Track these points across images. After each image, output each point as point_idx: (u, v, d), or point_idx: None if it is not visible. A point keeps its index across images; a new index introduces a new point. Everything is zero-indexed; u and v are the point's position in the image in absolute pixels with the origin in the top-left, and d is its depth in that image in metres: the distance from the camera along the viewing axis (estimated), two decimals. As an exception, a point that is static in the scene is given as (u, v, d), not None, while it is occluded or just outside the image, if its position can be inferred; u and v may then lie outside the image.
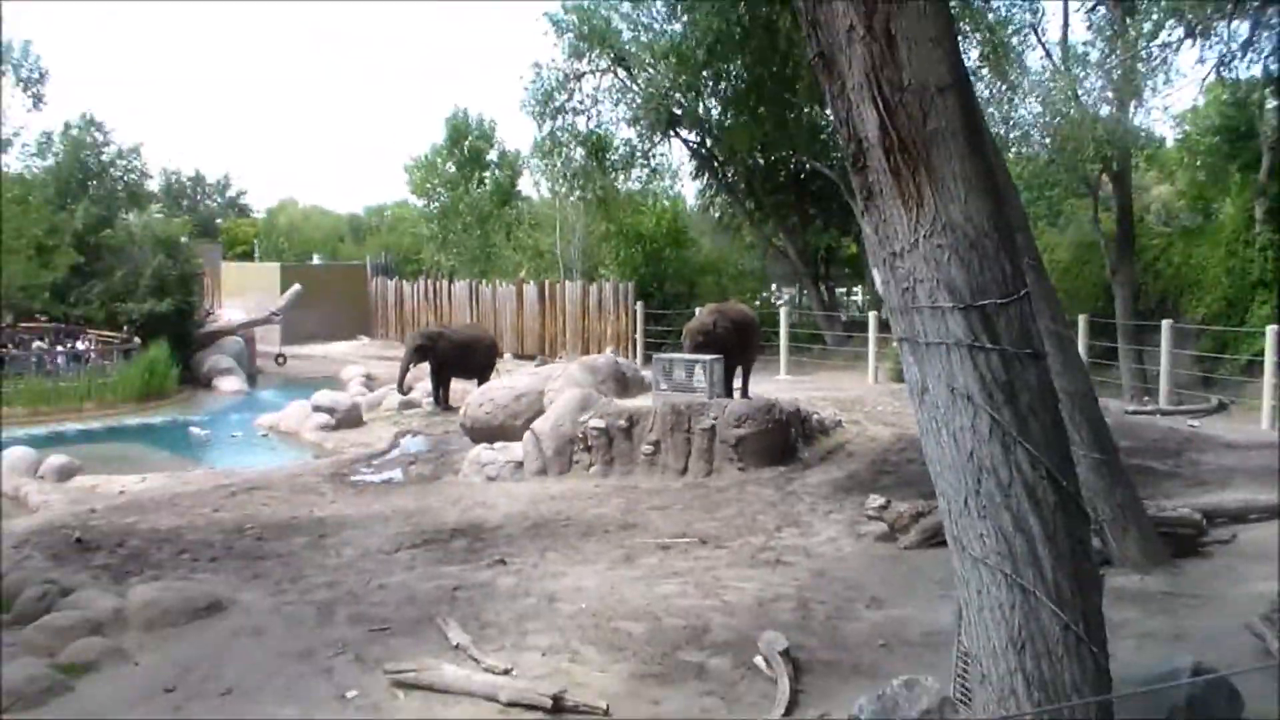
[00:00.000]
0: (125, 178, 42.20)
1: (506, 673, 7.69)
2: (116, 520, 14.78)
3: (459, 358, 25.79)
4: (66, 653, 8.68)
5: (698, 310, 19.79)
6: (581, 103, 33.85)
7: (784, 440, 15.50)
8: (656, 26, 31.40)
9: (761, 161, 32.93)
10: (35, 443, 21.96)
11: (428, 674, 7.71)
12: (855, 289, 39.34)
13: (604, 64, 32.95)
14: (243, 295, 44.75)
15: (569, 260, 41.95)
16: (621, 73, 33.01)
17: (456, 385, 25.73)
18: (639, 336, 32.24)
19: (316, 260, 61.25)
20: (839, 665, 7.67)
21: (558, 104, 33.57)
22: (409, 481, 17.95)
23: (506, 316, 40.40)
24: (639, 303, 32.98)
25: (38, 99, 47.60)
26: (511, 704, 7.24)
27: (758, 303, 36.43)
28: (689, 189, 41.29)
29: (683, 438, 15.39)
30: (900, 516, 11.01)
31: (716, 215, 38.21)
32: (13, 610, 10.15)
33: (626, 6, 32.14)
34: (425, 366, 26.11)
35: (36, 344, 32.66)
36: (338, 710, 7.48)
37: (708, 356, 16.40)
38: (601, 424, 16.05)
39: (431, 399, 25.99)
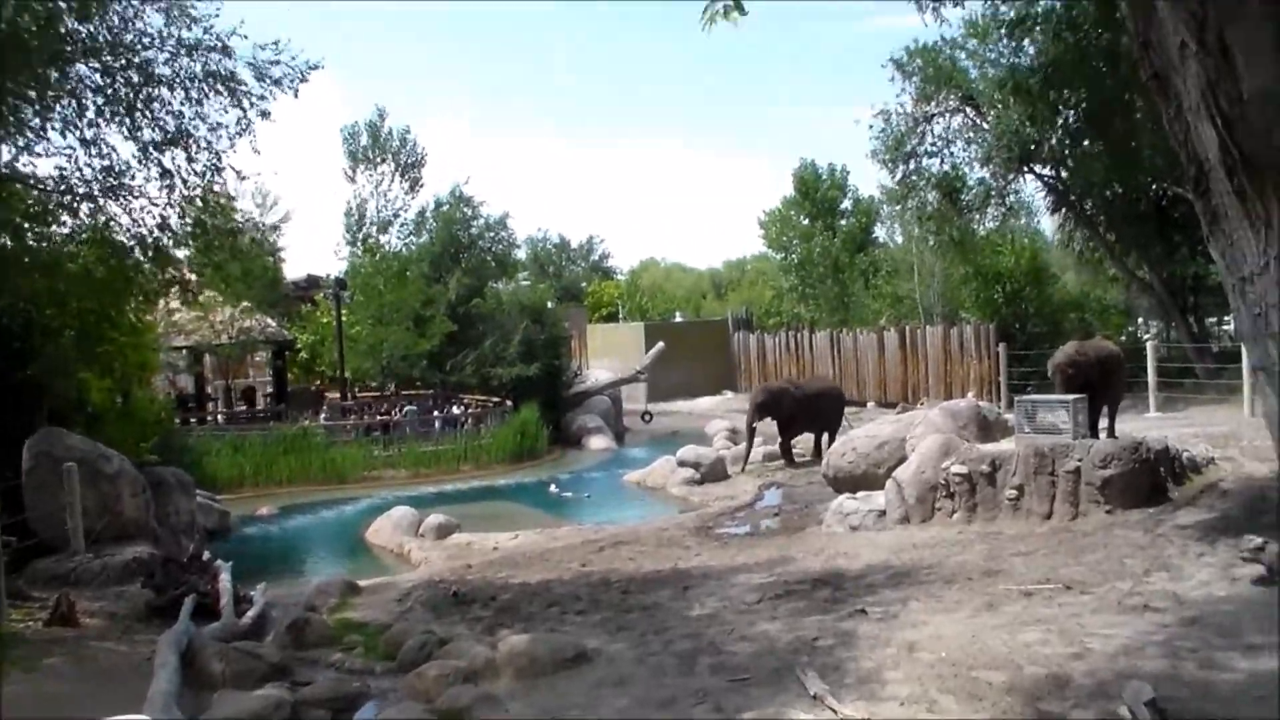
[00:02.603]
0: (494, 248, 44.11)
1: (863, 722, 7.59)
2: (490, 575, 15.49)
3: (805, 411, 25.81)
4: (444, 698, 9.09)
5: (1061, 348, 19.24)
6: (933, 145, 33.57)
7: (1152, 480, 14.80)
8: (1003, 61, 30.75)
9: (1119, 190, 31.66)
10: (416, 503, 23.24)
11: (785, 724, 7.69)
12: (1226, 318, 37.40)
13: (953, 104, 32.56)
14: (609, 355, 45.97)
15: (928, 304, 41.59)
16: (971, 112, 32.57)
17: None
18: (1002, 379, 31.54)
19: (679, 318, 62.39)
20: (1210, 719, 7.24)
21: (908, 148, 33.34)
22: (772, 533, 18.06)
23: (868, 364, 40.36)
24: (1001, 344, 32.28)
25: (415, 183, 50.49)
26: (867, 753, 7.15)
27: (1124, 337, 35.15)
28: (1047, 225, 40.31)
29: (1047, 480, 14.93)
30: None
31: (1077, 250, 37.05)
32: (397, 658, 10.90)
33: (973, 44, 31.67)
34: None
35: (408, 408, 34.39)
36: (697, 757, 7.55)
37: (1071, 396, 15.86)
38: (963, 469, 15.75)
39: (806, 451, 26.14)
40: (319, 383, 41.45)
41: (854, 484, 18.33)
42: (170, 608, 12.84)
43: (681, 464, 25.68)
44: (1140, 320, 40.34)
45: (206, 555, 16.02)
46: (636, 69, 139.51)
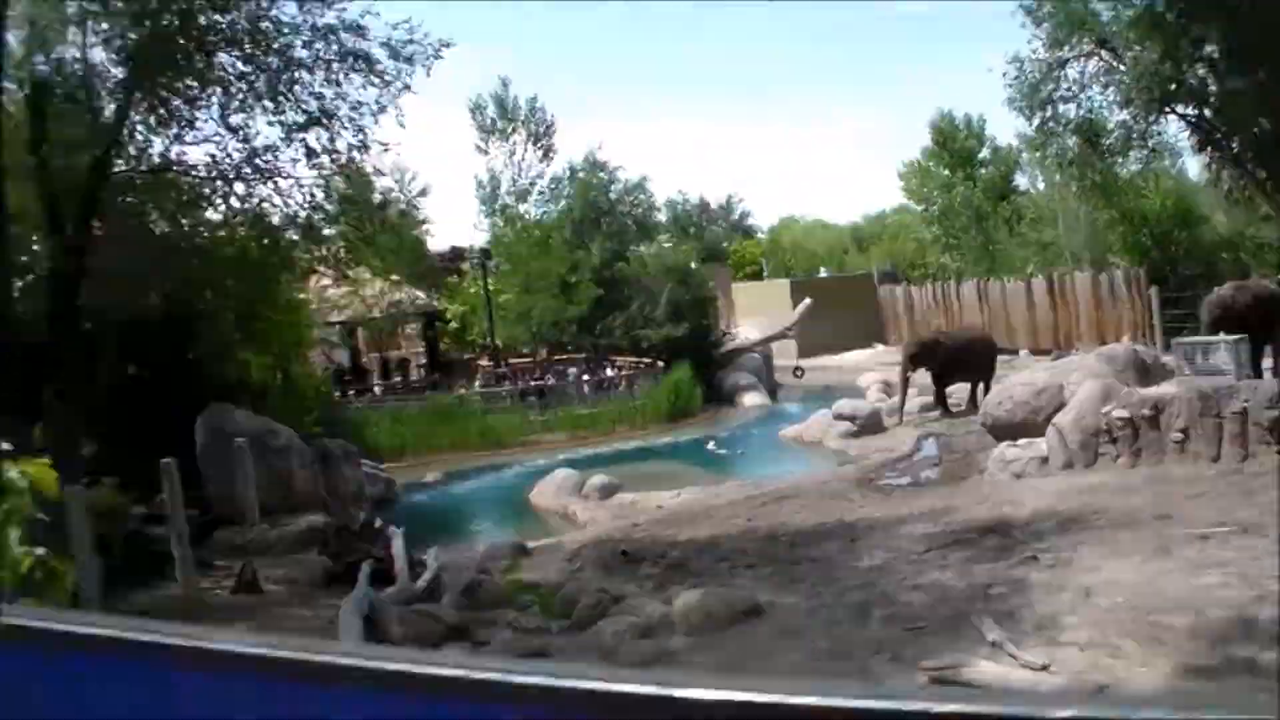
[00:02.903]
0: (633, 212, 44.19)
1: (1045, 668, 7.63)
2: (657, 533, 15.66)
3: (958, 361, 25.56)
4: (622, 654, 9.30)
5: (1216, 289, 18.82)
6: (1069, 90, 32.92)
7: (1325, 419, 14.55)
8: (1136, 1, 29.95)
9: (1268, 126, 30.68)
10: (576, 465, 23.46)
11: (965, 671, 7.74)
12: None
13: (1086, 48, 31.91)
14: (755, 313, 45.79)
15: (1075, 250, 40.89)
16: (1106, 54, 31.88)
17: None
18: (1156, 322, 30.97)
19: (823, 273, 61.95)
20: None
21: (1044, 95, 32.74)
22: (934, 483, 18.02)
23: (1017, 313, 39.84)
24: (1153, 288, 31.69)
25: (548, 151, 50.77)
26: (1053, 700, 7.15)
27: (1280, 277, 34.24)
28: (1192, 165, 39.29)
29: (1212, 423, 14.70)
30: None
31: (1225, 189, 36.09)
32: (572, 616, 11.05)
33: (1104, -15, 31.02)
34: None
35: (570, 371, 34.71)
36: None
37: (1232, 337, 15.60)
38: (1125, 414, 15.57)
39: (961, 400, 25.96)
40: (470, 353, 42.01)
41: (1013, 432, 18.15)
42: (347, 574, 13.21)
43: (838, 417, 25.67)
44: (1300, 258, 39.21)
45: (378, 522, 16.45)
46: (767, 28, 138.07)
